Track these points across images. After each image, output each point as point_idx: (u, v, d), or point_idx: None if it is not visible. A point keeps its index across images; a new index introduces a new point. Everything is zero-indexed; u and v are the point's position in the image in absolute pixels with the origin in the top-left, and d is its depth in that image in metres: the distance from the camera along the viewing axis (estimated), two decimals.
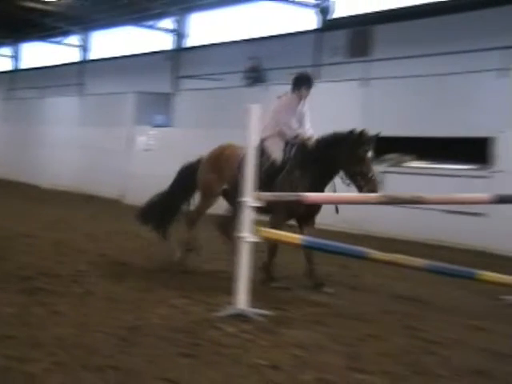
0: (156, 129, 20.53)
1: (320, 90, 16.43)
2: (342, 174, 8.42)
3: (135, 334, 5.89)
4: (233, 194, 8.58)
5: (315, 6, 22.78)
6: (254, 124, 6.60)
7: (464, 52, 15.99)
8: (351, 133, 8.32)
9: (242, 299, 6.49)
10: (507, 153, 12.09)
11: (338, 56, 20.99)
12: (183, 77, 24.83)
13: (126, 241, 11.79)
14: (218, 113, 18.12)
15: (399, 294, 8.29)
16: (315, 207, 8.47)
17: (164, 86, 24.74)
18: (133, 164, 20.74)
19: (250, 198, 6.45)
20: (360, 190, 8.16)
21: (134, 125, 21.25)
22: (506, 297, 8.18)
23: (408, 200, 8.65)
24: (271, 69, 19.96)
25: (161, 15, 27.88)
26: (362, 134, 8.25)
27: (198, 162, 9.76)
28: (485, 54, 15.36)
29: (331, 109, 15.37)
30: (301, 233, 8.43)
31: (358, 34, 20.93)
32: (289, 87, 8.96)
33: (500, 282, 8.06)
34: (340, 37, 21.42)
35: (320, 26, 22.74)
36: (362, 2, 21.56)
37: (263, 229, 6.82)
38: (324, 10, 22.61)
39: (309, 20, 23.03)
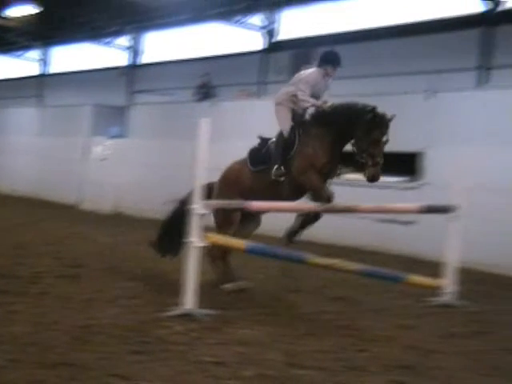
0: (111, 140, 20.39)
1: (265, 107, 16.56)
2: (353, 142, 7.89)
3: (88, 332, 5.83)
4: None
5: (262, 28, 22.97)
6: (204, 136, 6.61)
7: (396, 74, 16.27)
8: (373, 111, 7.73)
9: (189, 300, 6.49)
10: (434, 167, 12.31)
11: (282, 75, 21.10)
12: (138, 91, 24.78)
13: (82, 244, 11.68)
14: (170, 125, 18.07)
15: (335, 296, 8.35)
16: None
17: (119, 100, 24.61)
18: (89, 172, 20.56)
19: (199, 205, 6.46)
20: (363, 168, 7.74)
21: (91, 135, 21.07)
22: (431, 298, 8.30)
23: (342, 209, 8.75)
24: (220, 85, 20.01)
25: (117, 33, 27.70)
26: (383, 116, 7.73)
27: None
28: (415, 77, 15.67)
29: (275, 124, 15.42)
30: None
31: (301, 55, 21.10)
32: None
33: (425, 284, 8.23)
34: (284, 57, 21.56)
35: (266, 47, 22.95)
36: (304, 26, 21.79)
37: (210, 235, 6.82)
38: (270, 33, 22.84)
39: (255, 41, 23.17)
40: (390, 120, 7.69)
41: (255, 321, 6.70)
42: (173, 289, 6.97)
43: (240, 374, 5.01)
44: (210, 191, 8.41)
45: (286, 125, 8.27)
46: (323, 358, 5.57)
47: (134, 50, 28.35)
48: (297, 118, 8.35)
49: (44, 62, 33.71)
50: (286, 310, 7.43)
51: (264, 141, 8.50)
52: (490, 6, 17.27)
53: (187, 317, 6.43)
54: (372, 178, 7.62)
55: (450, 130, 12.40)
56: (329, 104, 8.15)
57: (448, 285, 8.26)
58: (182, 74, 23.62)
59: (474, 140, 11.58)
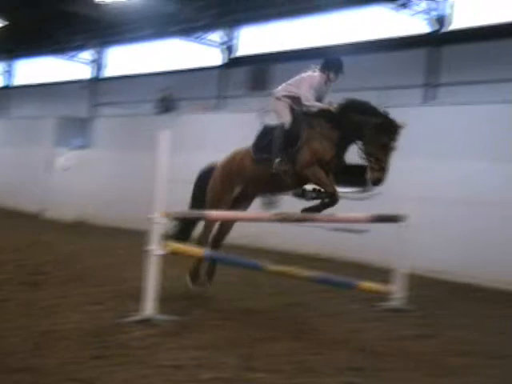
0: (74, 150, 20.19)
1: (223, 120, 16.59)
2: (359, 144, 7.71)
3: (50, 338, 5.77)
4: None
5: (221, 44, 23.02)
6: (164, 148, 6.58)
7: (348, 90, 16.34)
8: (384, 115, 7.62)
9: (149, 306, 6.45)
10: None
11: (240, 90, 21.17)
12: (101, 104, 24.61)
13: (45, 252, 11.51)
14: (132, 137, 17.95)
15: (290, 302, 8.34)
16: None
17: (83, 112, 24.45)
18: (52, 182, 20.31)
19: (158, 215, 6.43)
20: (368, 172, 7.58)
21: (54, 146, 20.84)
22: (381, 303, 8.36)
23: (297, 219, 8.77)
24: (180, 99, 19.96)
25: (81, 47, 27.51)
26: (393, 122, 7.57)
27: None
28: (365, 92, 15.78)
29: (233, 136, 15.46)
30: None
31: (258, 70, 21.20)
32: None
33: (376, 290, 8.29)
34: (242, 73, 21.63)
35: (225, 62, 22.99)
36: (261, 43, 21.90)
37: (170, 243, 6.78)
38: (228, 49, 22.91)
39: (215, 57, 23.20)
40: (400, 127, 7.57)
41: (213, 326, 6.69)
42: (134, 295, 6.92)
43: (197, 377, 5.00)
44: (210, 172, 8.76)
45: (287, 117, 8.05)
46: (278, 361, 5.58)
47: (98, 64, 28.21)
48: (298, 111, 8.08)
49: (9, 74, 33.32)
50: (243, 315, 7.42)
51: (268, 129, 8.32)
52: (436, 27, 17.52)
53: (147, 322, 6.38)
54: (377, 182, 7.53)
55: (399, 143, 12.51)
56: (335, 105, 7.92)
57: (397, 290, 8.33)
58: (143, 87, 23.51)
59: (421, 153, 11.69)
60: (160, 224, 6.42)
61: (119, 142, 18.94)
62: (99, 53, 28.13)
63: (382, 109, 7.74)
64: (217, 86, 22.48)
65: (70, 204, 18.89)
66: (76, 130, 20.89)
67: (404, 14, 17.52)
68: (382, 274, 8.81)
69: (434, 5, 17.46)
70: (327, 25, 19.86)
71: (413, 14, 17.46)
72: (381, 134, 7.49)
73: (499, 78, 14.34)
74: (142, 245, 6.57)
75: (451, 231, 9.34)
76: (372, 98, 12.99)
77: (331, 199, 7.78)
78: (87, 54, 28.24)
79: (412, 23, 17.73)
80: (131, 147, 17.49)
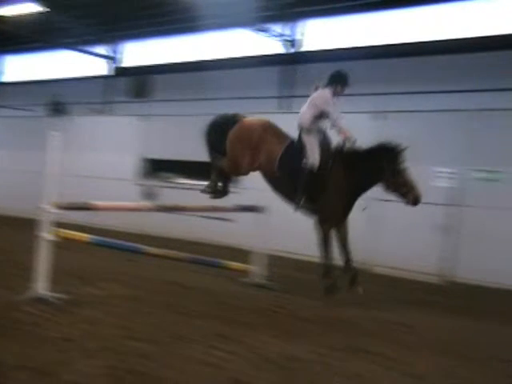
0: None
1: (110, 122, 16.26)
2: (383, 185, 7.40)
3: None
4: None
5: (107, 56, 22.63)
6: (55, 148, 6.35)
7: (211, 100, 16.47)
8: (389, 147, 7.34)
9: (41, 286, 6.23)
10: (250, 174, 12.51)
11: (124, 96, 20.89)
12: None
13: None
14: (26, 138, 17.17)
15: (168, 280, 8.25)
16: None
17: None
18: None
19: (49, 205, 6.21)
20: (405, 197, 7.28)
21: None
22: (244, 279, 8.47)
23: (172, 208, 8.73)
24: (71, 104, 19.42)
25: None
26: (396, 148, 7.30)
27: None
28: (224, 101, 15.96)
29: (119, 137, 15.29)
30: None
31: (140, 80, 20.97)
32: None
33: (240, 269, 8.39)
34: (126, 81, 21.34)
35: (111, 72, 22.62)
36: (144, 56, 21.68)
37: (60, 230, 6.55)
38: (114, 60, 22.54)
39: (102, 67, 22.75)
40: (401, 150, 7.31)
41: (98, 302, 6.54)
42: (28, 276, 6.63)
43: (84, 347, 4.88)
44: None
45: (316, 156, 7.46)
46: (155, 331, 5.54)
47: None
48: (325, 149, 7.57)
49: None
50: (125, 291, 7.28)
51: (296, 147, 7.64)
52: (289, 48, 18.00)
53: (39, 300, 6.16)
54: (418, 200, 7.24)
55: None
56: (353, 139, 7.45)
57: (258, 269, 8.47)
58: (37, 92, 22.72)
59: None
60: (49, 213, 6.21)
61: (14, 141, 18.12)
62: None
63: (390, 144, 7.41)
64: (104, 93, 22.04)
65: None
66: None
67: (263, 36, 17.84)
68: (247, 255, 8.89)
69: (287, 30, 17.91)
70: (202, 42, 19.93)
71: (270, 37, 17.84)
72: (395, 162, 7.27)
73: (350, 93, 14.84)
74: (35, 232, 6.33)
75: (299, 219, 9.50)
76: (235, 107, 13.17)
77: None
78: None
79: (271, 44, 18.08)
80: (25, 147, 16.78)
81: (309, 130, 7.58)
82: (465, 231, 10.23)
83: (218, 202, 8.53)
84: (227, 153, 7.96)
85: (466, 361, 5.57)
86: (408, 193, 7.24)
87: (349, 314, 7.09)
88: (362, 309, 7.37)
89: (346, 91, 7.72)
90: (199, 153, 13.99)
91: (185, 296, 7.31)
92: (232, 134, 7.92)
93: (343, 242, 7.74)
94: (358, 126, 10.33)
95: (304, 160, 7.46)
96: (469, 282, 10.02)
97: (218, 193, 8.32)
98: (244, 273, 8.49)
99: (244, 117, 8.14)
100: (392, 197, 7.53)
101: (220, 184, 8.33)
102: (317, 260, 8.04)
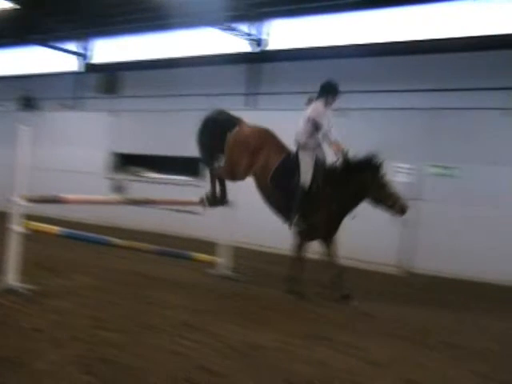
0: None
1: (80, 118, 16.07)
2: (369, 200, 7.25)
3: None
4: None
5: (77, 53, 22.35)
6: (25, 142, 6.26)
7: (184, 96, 16.41)
8: (372, 160, 7.17)
9: (11, 277, 6.14)
10: None
11: (95, 92, 20.68)
12: None
13: None
14: None
15: (137, 272, 8.20)
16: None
17: None
18: None
19: (19, 198, 6.12)
20: (392, 209, 7.15)
21: None
22: (210, 270, 8.47)
23: (142, 201, 8.68)
24: (42, 99, 19.14)
25: None
26: (376, 161, 7.15)
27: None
28: (197, 97, 15.91)
29: (90, 132, 15.14)
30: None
31: (110, 76, 20.79)
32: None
33: (207, 260, 8.39)
34: (96, 78, 21.13)
35: (82, 68, 22.36)
36: (114, 53, 21.48)
37: (30, 222, 6.47)
38: (84, 57, 22.29)
39: (73, 63, 22.48)
40: (380, 163, 7.19)
41: (68, 293, 6.47)
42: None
43: (54, 337, 4.84)
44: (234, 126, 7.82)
45: (308, 175, 7.27)
46: (124, 321, 5.51)
47: None
48: (318, 167, 7.35)
49: None
50: (96, 283, 7.22)
51: (291, 161, 7.43)
52: (255, 47, 18.01)
53: (10, 291, 6.06)
54: (404, 211, 7.14)
55: None
56: (345, 151, 7.29)
57: (223, 260, 8.48)
58: (9, 88, 22.31)
59: None
60: (20, 206, 6.12)
61: None
62: None
63: (372, 158, 7.26)
64: (75, 89, 21.78)
65: None
66: None
67: (231, 35, 17.84)
68: (212, 247, 8.89)
69: (254, 29, 17.93)
70: (172, 40, 19.82)
71: (237, 36, 17.83)
72: (377, 175, 7.18)
73: (310, 91, 14.91)
74: (5, 224, 6.24)
75: (267, 213, 9.52)
76: (203, 103, 13.11)
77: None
78: None
79: (237, 43, 18.08)
80: None
81: (305, 147, 7.39)
82: (422, 224, 10.39)
83: (187, 196, 8.52)
84: (225, 157, 7.79)
85: (424, 347, 5.68)
86: (394, 205, 7.14)
87: (311, 303, 7.15)
88: (324, 299, 7.43)
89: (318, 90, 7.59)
90: (167, 148, 14.10)
91: (153, 287, 7.28)
92: (232, 138, 7.75)
93: (332, 259, 7.53)
94: None
95: (296, 179, 7.30)
96: (426, 272, 10.20)
97: (218, 202, 8.16)
98: (211, 264, 8.50)
99: (242, 120, 7.98)
100: (380, 209, 7.37)
101: (218, 194, 8.17)
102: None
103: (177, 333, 5.25)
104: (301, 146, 7.40)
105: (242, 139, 7.67)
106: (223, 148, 7.80)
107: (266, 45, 17.99)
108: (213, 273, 8.44)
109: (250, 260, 10.02)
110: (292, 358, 4.93)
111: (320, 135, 7.35)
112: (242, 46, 18.11)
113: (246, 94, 17.29)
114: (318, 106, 7.39)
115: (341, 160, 7.29)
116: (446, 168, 10.46)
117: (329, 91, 7.42)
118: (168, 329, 5.38)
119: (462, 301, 8.47)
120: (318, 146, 7.44)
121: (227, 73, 17.80)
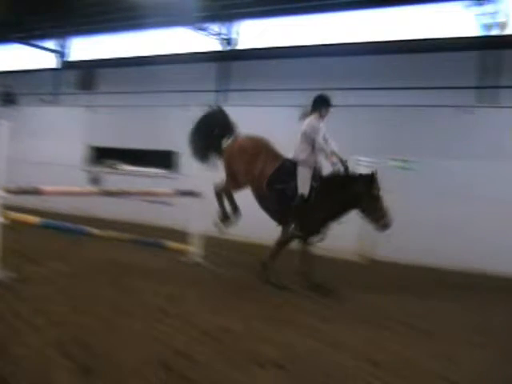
0: None
1: (58, 113, 15.85)
2: (360, 209, 7.14)
3: None
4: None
5: (55, 51, 22.06)
6: (4, 135, 6.14)
7: (161, 92, 16.29)
8: (366, 175, 7.14)
9: None
10: (186, 162, 12.43)
11: (72, 88, 20.45)
12: None
13: None
14: None
15: (112, 260, 8.09)
16: None
17: None
18: None
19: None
20: (377, 222, 7.07)
21: None
22: (182, 258, 8.44)
23: (117, 192, 8.60)
24: (21, 94, 18.82)
25: None
26: (374, 175, 7.08)
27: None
28: (173, 94, 15.83)
29: (67, 126, 14.99)
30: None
31: (87, 73, 20.58)
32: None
33: (179, 249, 8.36)
34: (73, 74, 20.90)
35: (59, 65, 22.07)
36: (91, 50, 21.33)
37: (9, 212, 6.37)
38: (62, 54, 22.01)
39: (51, 60, 22.18)
40: (376, 176, 7.10)
41: (46, 280, 6.41)
42: None
43: (32, 322, 4.80)
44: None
45: (306, 188, 7.17)
46: (100, 307, 5.47)
47: None
48: (315, 178, 7.23)
49: None
50: (72, 270, 7.14)
51: (288, 167, 7.31)
52: (225, 46, 17.99)
53: None
54: (387, 227, 7.06)
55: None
56: (344, 161, 7.22)
57: (195, 249, 8.46)
58: None
59: None
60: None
61: None
62: None
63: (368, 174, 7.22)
64: (53, 85, 21.48)
65: None
66: None
67: (202, 34, 17.79)
68: (182, 235, 8.85)
69: (224, 29, 17.89)
70: (146, 39, 19.72)
71: (208, 35, 17.79)
72: (371, 188, 7.06)
73: (277, 88, 14.95)
74: None
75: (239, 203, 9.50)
76: (175, 99, 13.03)
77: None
78: None
79: (208, 42, 18.05)
80: None
81: (304, 163, 7.27)
82: None
83: (161, 187, 8.44)
84: (225, 170, 7.72)
85: (386, 330, 5.75)
86: (381, 218, 7.06)
87: (279, 290, 7.17)
88: (290, 285, 7.44)
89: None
90: (141, 141, 13.99)
91: (129, 274, 7.21)
92: (227, 151, 7.73)
93: (306, 248, 7.50)
94: (281, 118, 10.51)
95: (292, 186, 7.23)
96: (386, 260, 10.28)
97: (232, 219, 7.93)
98: (183, 252, 8.46)
99: (236, 129, 7.96)
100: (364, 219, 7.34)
101: (228, 211, 7.93)
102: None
103: (150, 317, 5.25)
104: (300, 163, 7.27)
105: (238, 149, 7.63)
106: (216, 150, 7.85)
107: (236, 44, 17.98)
108: (185, 261, 8.40)
109: (221, 249, 10.00)
110: (262, 341, 4.95)
111: (316, 149, 7.23)
112: (213, 45, 18.08)
113: (216, 91, 17.26)
114: (312, 120, 7.27)
115: (340, 169, 7.23)
116: (405, 161, 10.58)
117: (321, 104, 7.33)
118: (142, 314, 5.37)
119: (424, 287, 8.57)
120: (316, 160, 7.33)
121: (199, 70, 17.74)
